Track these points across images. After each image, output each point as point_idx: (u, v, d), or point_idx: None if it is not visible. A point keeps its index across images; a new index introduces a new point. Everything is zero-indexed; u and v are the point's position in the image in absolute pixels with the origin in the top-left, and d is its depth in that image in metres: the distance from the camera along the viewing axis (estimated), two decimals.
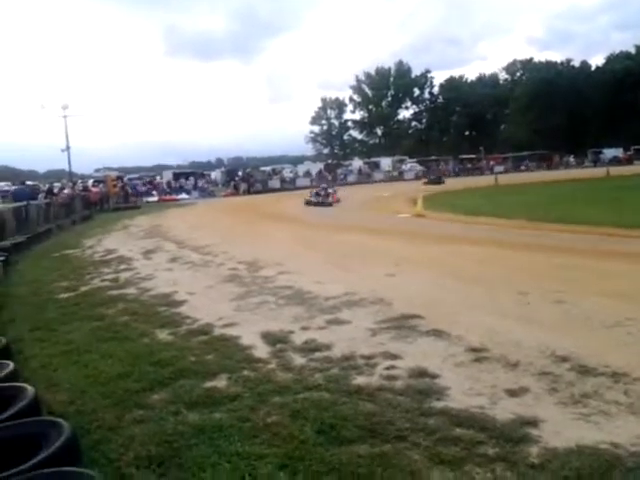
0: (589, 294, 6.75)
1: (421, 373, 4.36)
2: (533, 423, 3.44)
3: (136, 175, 56.91)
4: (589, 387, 3.91)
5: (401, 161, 67.14)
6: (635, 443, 3.14)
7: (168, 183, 51.57)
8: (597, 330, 5.30)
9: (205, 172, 62.37)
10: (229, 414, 3.85)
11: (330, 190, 31.06)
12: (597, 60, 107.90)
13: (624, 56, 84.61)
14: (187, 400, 4.13)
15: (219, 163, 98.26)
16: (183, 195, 46.88)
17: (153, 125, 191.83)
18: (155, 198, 44.52)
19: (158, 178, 55.47)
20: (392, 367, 4.55)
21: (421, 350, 4.94)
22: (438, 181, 45.89)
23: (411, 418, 3.61)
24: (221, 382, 4.48)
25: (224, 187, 52.23)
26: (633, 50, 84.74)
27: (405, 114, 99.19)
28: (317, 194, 29.44)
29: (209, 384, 4.45)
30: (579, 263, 9.20)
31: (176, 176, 54.47)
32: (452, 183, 43.17)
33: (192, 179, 52.98)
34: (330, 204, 27.51)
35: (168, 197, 45.30)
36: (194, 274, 9.91)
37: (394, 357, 4.78)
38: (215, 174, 61.06)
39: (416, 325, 5.67)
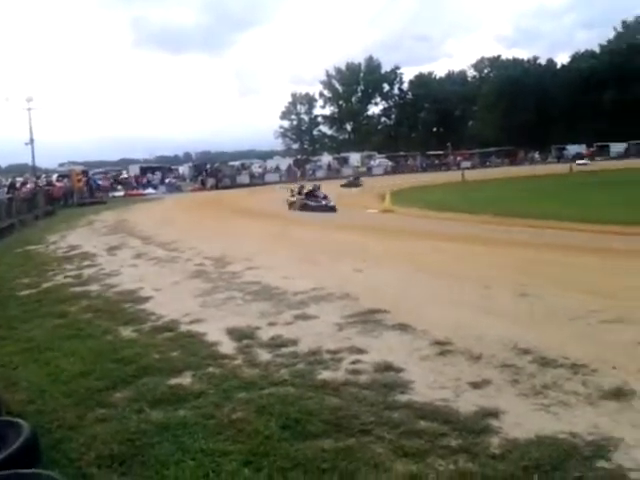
0: (553, 287, 6.91)
1: (386, 367, 4.39)
2: (495, 414, 3.50)
3: (101, 169, 55.90)
4: (549, 378, 3.99)
5: (370, 157, 67.36)
6: (592, 432, 3.21)
7: (135, 178, 50.79)
8: (559, 322, 5.42)
9: (173, 167, 61.63)
10: (193, 411, 3.81)
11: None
12: (563, 58, 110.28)
13: (589, 55, 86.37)
14: (150, 398, 4.08)
15: (187, 157, 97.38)
16: (150, 190, 46.27)
17: (119, 119, 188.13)
18: (121, 193, 43.85)
19: (124, 173, 54.51)
20: (358, 361, 4.56)
21: (387, 344, 4.97)
22: (355, 184, 40.63)
23: (376, 412, 3.63)
24: (186, 379, 4.44)
25: (192, 182, 51.67)
26: (598, 49, 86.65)
27: (374, 110, 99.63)
28: (312, 195, 22.28)
29: (173, 381, 4.40)
30: (544, 257, 9.40)
31: (143, 170, 53.64)
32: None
33: (159, 174, 52.30)
34: (334, 208, 20.80)
35: (135, 192, 44.64)
36: (160, 270, 9.80)
37: (360, 351, 4.80)
38: (183, 169, 60.31)
39: (382, 319, 5.70)
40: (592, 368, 4.11)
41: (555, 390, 3.80)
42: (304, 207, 21.49)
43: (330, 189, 36.37)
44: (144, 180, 49.91)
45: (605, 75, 76.85)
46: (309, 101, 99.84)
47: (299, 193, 23.87)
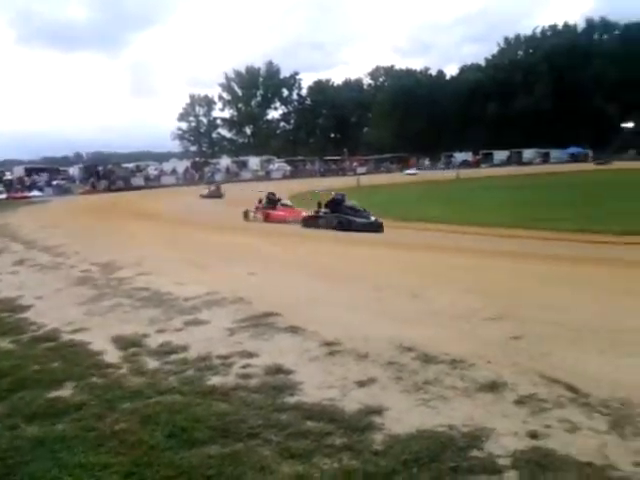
0: (440, 287, 7.27)
1: (276, 370, 4.40)
2: (378, 412, 3.60)
3: None
4: (431, 374, 4.18)
5: (269, 161, 67.65)
6: (467, 424, 3.40)
7: (19, 179, 47.72)
8: (442, 321, 5.68)
9: (62, 168, 58.63)
10: (73, 424, 3.63)
11: None
12: (452, 70, 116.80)
13: (475, 68, 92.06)
14: (27, 412, 3.83)
15: (78, 158, 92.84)
16: (35, 192, 43.72)
17: (2, 118, 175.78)
18: (3, 196, 41.12)
19: (8, 174, 51.10)
20: (248, 365, 4.54)
21: (278, 347, 4.99)
22: (216, 194, 35.35)
23: (264, 415, 3.63)
24: (66, 391, 4.21)
25: (82, 184, 49.30)
26: (484, 63, 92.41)
27: (274, 114, 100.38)
28: (344, 207, 16.25)
29: (53, 394, 4.16)
30: (434, 258, 9.86)
31: (28, 172, 50.62)
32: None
33: (46, 175, 49.50)
34: (382, 226, 15.19)
35: (19, 194, 42.10)
36: (42, 277, 9.24)
37: (251, 355, 4.78)
38: (73, 170, 57.47)
39: (274, 323, 5.72)
40: (470, 363, 4.34)
41: (436, 385, 3.99)
42: (343, 225, 15.38)
43: (233, 191, 36.17)
44: (29, 182, 47.00)
45: (489, 88, 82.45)
46: (208, 103, 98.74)
47: (272, 202, 19.84)
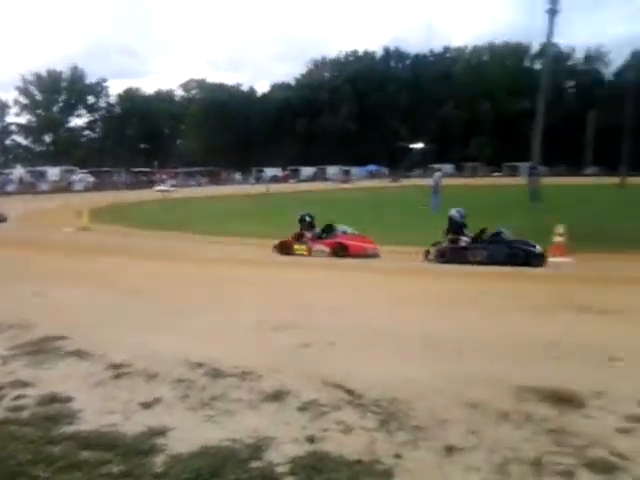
0: (234, 301, 7.33)
1: (53, 399, 4.07)
2: (162, 433, 3.51)
3: None
4: (219, 389, 4.18)
5: (71, 171, 63.24)
6: (250, 435, 3.46)
7: None
8: (233, 334, 5.77)
9: None
10: None
11: None
12: (264, 86, 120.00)
13: (285, 87, 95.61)
14: None
15: None
16: None
17: None
18: None
19: None
20: (21, 397, 4.14)
21: (58, 374, 4.63)
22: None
23: (34, 449, 3.34)
24: None
25: None
26: (293, 82, 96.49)
27: (78, 122, 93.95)
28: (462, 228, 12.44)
29: None
30: (223, 270, 9.97)
31: None
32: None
33: None
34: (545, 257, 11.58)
35: None
36: None
37: (25, 385, 4.36)
38: None
39: (58, 347, 5.30)
40: (258, 374, 4.43)
41: (222, 400, 3.99)
42: (520, 257, 11.26)
43: (28, 204, 32.96)
44: None
45: (298, 107, 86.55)
46: (1, 107, 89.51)
47: (314, 227, 13.85)
